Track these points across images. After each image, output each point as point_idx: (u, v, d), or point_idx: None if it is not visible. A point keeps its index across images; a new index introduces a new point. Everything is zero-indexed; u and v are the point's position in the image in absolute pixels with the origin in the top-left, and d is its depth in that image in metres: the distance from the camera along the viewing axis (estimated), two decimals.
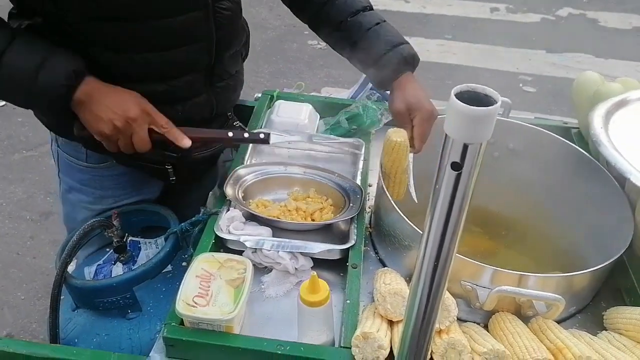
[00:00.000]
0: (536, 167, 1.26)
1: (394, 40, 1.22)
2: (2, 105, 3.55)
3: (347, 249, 1.07)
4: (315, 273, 0.88)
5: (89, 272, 1.21)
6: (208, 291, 0.92)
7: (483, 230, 1.27)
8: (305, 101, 1.54)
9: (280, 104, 1.52)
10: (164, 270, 1.16)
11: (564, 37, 4.97)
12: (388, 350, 0.85)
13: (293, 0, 1.33)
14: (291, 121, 1.45)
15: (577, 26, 5.22)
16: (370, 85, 1.66)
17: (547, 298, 0.90)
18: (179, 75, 1.13)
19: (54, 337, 1.10)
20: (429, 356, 0.75)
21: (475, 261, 0.93)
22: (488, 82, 0.49)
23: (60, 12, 1.00)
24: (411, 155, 1.17)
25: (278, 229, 1.15)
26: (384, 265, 1.12)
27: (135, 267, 1.16)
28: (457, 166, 0.50)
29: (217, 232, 1.09)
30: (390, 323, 0.91)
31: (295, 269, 1.07)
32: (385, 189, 1.10)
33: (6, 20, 1.04)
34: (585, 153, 1.20)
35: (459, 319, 0.94)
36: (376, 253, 1.16)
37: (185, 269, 0.99)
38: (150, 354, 0.92)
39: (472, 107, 0.46)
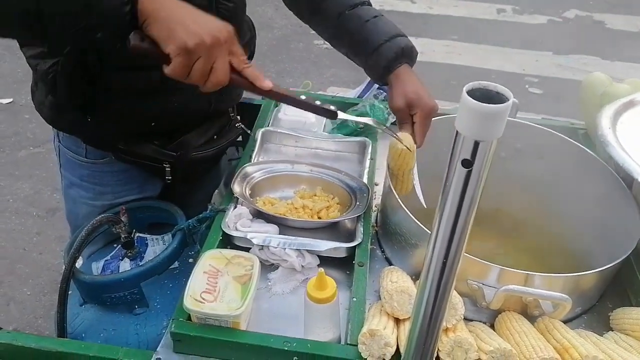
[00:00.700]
0: (543, 167, 1.26)
1: (392, 32, 1.20)
2: (9, 103, 3.57)
3: (354, 247, 1.08)
4: (322, 270, 0.88)
5: (97, 267, 1.21)
6: (215, 287, 0.93)
7: (489, 230, 1.27)
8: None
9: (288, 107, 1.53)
10: (171, 267, 1.17)
11: (571, 38, 4.95)
12: (394, 347, 0.85)
13: None
14: (298, 120, 1.46)
15: (583, 28, 5.20)
16: (377, 84, 1.66)
17: (554, 298, 0.90)
18: None
19: (62, 332, 1.10)
20: (435, 354, 0.75)
21: (482, 260, 0.93)
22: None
23: None
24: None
25: (285, 226, 1.15)
26: (390, 264, 1.12)
27: (142, 263, 1.17)
28: (467, 163, 0.51)
29: (224, 229, 1.09)
30: (397, 321, 0.92)
31: (302, 266, 1.07)
32: (392, 188, 1.10)
33: None
34: (593, 154, 1.20)
35: (465, 318, 0.94)
36: (382, 251, 1.16)
37: (192, 265, 0.99)
38: (157, 349, 0.93)
39: (484, 104, 0.47)
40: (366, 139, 1.40)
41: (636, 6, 5.40)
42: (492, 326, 0.97)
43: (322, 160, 1.37)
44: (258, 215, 1.17)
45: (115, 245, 1.26)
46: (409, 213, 1.02)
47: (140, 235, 1.27)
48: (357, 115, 1.46)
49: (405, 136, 1.12)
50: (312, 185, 1.28)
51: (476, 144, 0.49)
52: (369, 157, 1.34)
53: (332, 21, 1.25)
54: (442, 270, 0.61)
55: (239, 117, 1.41)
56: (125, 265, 1.20)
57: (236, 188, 1.18)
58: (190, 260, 1.20)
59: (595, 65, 4.42)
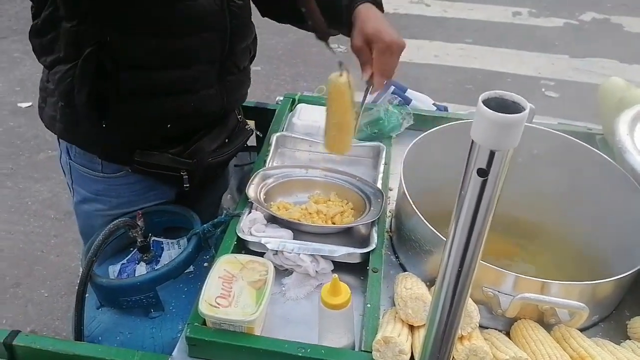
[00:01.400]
0: (560, 173, 1.25)
1: None
2: (29, 106, 3.62)
3: (368, 252, 1.08)
4: (336, 276, 0.88)
5: (114, 271, 1.23)
6: (230, 292, 0.93)
7: (505, 236, 1.26)
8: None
9: (301, 107, 1.54)
10: (186, 271, 1.18)
11: (588, 41, 4.91)
12: (409, 355, 0.85)
13: None
14: (312, 125, 1.46)
15: (601, 31, 5.15)
16: (392, 89, 1.66)
17: (571, 306, 0.89)
18: (192, 63, 1.14)
19: (79, 335, 1.12)
20: None
21: (498, 268, 0.93)
22: (509, 87, 0.50)
23: None
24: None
25: (299, 231, 1.16)
26: (405, 270, 1.12)
27: (158, 267, 1.18)
28: (483, 173, 0.51)
29: (238, 234, 1.10)
30: (411, 328, 0.91)
31: (316, 271, 1.07)
32: (327, 144, 1.10)
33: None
34: (610, 160, 1.18)
35: (481, 326, 0.94)
36: (397, 257, 1.16)
37: (207, 269, 1.00)
38: (172, 353, 0.94)
39: (499, 114, 0.46)
40: (380, 144, 1.40)
41: None
42: (507, 334, 0.96)
43: (336, 165, 1.38)
44: (272, 220, 1.17)
45: (131, 249, 1.27)
46: (424, 219, 1.01)
47: (156, 239, 1.28)
48: (371, 121, 1.46)
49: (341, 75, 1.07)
50: (326, 190, 1.28)
51: (492, 154, 0.49)
52: (383, 162, 1.34)
53: None
54: (458, 278, 0.61)
55: (248, 121, 1.42)
56: (142, 269, 1.21)
57: (251, 193, 1.19)
58: (206, 264, 1.20)
59: (612, 68, 4.37)
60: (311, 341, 0.92)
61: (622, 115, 1.23)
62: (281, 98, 1.63)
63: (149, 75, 1.11)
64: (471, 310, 0.87)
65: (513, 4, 5.54)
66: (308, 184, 1.30)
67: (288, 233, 1.14)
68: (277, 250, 1.08)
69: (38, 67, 1.21)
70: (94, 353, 0.94)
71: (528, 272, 0.93)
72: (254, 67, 1.37)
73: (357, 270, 1.10)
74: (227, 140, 1.33)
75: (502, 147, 0.49)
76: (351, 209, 1.24)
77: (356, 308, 0.99)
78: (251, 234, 1.12)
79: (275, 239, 1.10)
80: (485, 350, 0.84)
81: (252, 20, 1.29)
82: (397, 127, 1.47)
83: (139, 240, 1.20)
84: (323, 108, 1.50)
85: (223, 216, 1.18)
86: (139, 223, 1.19)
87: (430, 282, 1.02)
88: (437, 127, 1.23)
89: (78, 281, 1.10)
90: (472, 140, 0.50)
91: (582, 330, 0.96)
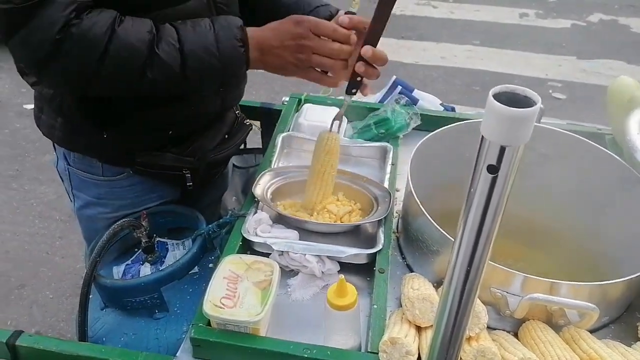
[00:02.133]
0: (568, 173, 1.24)
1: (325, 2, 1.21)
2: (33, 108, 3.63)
3: (374, 253, 1.07)
4: (343, 276, 0.87)
5: (118, 271, 1.22)
6: (235, 293, 0.92)
7: (512, 237, 1.24)
8: (333, 105, 1.55)
9: (307, 108, 1.53)
10: (191, 272, 1.17)
11: (595, 43, 4.89)
12: (416, 356, 0.84)
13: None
14: (319, 125, 1.45)
15: (608, 32, 5.13)
16: (398, 89, 1.65)
17: (581, 307, 0.88)
18: None
19: (83, 335, 1.11)
20: None
21: (506, 268, 0.92)
22: None
23: None
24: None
25: (305, 231, 1.15)
26: (412, 271, 1.11)
27: (162, 267, 1.18)
28: (493, 169, 0.49)
29: (244, 235, 1.09)
30: (418, 329, 0.90)
31: (322, 272, 1.06)
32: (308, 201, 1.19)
33: None
34: (620, 160, 1.17)
35: (488, 327, 0.92)
36: (403, 258, 1.15)
37: (212, 270, 0.99)
38: (177, 354, 0.93)
39: (510, 108, 0.45)
40: (387, 144, 1.39)
41: None
42: (516, 335, 0.95)
43: (343, 165, 1.36)
44: (278, 220, 1.16)
45: (136, 250, 1.26)
46: (431, 219, 1.00)
47: (161, 239, 1.27)
48: (378, 121, 1.45)
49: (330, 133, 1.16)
50: (334, 190, 1.27)
51: (502, 149, 0.48)
52: (390, 162, 1.33)
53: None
54: (466, 278, 0.59)
55: (253, 122, 1.42)
56: (146, 270, 1.20)
57: (257, 191, 1.18)
58: (210, 265, 1.20)
59: (620, 70, 4.35)
60: (317, 342, 0.90)
61: (632, 115, 1.21)
62: (287, 98, 1.63)
63: None
64: (479, 311, 0.86)
65: (520, 5, 5.53)
66: None
67: (294, 234, 1.13)
68: (282, 251, 1.07)
69: None
70: (98, 354, 0.93)
71: (535, 273, 0.91)
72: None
73: (364, 271, 1.09)
74: (226, 136, 1.32)
75: (513, 142, 0.48)
76: (359, 209, 1.23)
77: (362, 309, 0.98)
78: (257, 235, 1.11)
79: (281, 239, 1.09)
80: (493, 351, 0.83)
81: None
82: (404, 127, 1.46)
83: (144, 240, 1.19)
84: (329, 108, 1.51)
85: (228, 216, 1.17)
86: (143, 223, 1.18)
87: (437, 283, 1.01)
88: (445, 127, 1.22)
89: None
90: (482, 136, 0.49)
91: (592, 331, 0.95)
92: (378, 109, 1.50)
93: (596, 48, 4.76)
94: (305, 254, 1.06)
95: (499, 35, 4.96)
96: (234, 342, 0.89)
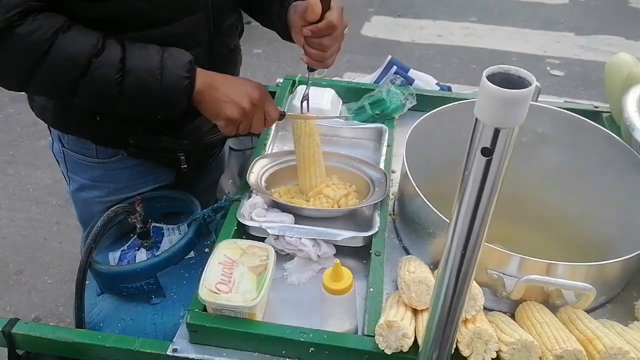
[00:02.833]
0: (565, 152, 1.23)
1: None
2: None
3: (370, 236, 1.06)
4: (338, 260, 0.87)
5: (114, 257, 1.21)
6: (231, 278, 0.92)
7: (509, 218, 1.24)
8: (328, 86, 1.53)
9: (302, 89, 1.51)
10: (187, 257, 1.17)
11: (593, 18, 4.84)
12: (412, 339, 0.84)
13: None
14: (314, 106, 1.43)
15: (606, 7, 5.08)
16: (394, 69, 1.63)
17: (577, 287, 0.88)
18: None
19: (80, 322, 1.11)
20: (454, 346, 0.73)
21: (503, 249, 0.91)
22: (514, 66, 0.47)
23: None
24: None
25: (300, 216, 1.14)
26: (408, 253, 1.10)
27: (158, 253, 1.17)
28: (487, 152, 0.49)
29: (239, 219, 1.08)
30: (415, 312, 0.90)
31: (318, 256, 1.06)
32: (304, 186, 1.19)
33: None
34: (618, 138, 1.16)
35: (485, 308, 0.92)
36: (400, 240, 1.14)
37: (208, 255, 0.98)
38: (174, 339, 0.93)
39: (504, 89, 0.44)
40: (383, 125, 1.38)
41: None
42: (512, 316, 0.95)
43: (338, 147, 1.35)
44: (273, 204, 1.16)
45: (131, 236, 1.26)
46: (427, 201, 1.00)
47: (156, 225, 1.27)
48: (373, 102, 1.44)
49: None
50: (328, 174, 1.26)
51: (496, 132, 0.47)
52: (385, 143, 1.32)
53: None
54: (462, 260, 0.59)
55: None
56: (142, 256, 1.20)
57: (251, 179, 1.17)
58: (206, 250, 1.19)
59: (619, 45, 4.31)
60: (313, 326, 0.90)
61: (630, 92, 1.20)
62: (281, 80, 1.61)
63: None
64: (475, 293, 0.85)
65: None
66: None
67: (289, 217, 1.12)
68: (278, 235, 1.07)
69: None
70: (94, 340, 0.93)
71: (532, 254, 0.91)
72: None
73: (360, 254, 1.08)
74: None
75: (507, 124, 0.47)
76: (354, 191, 1.22)
77: (359, 292, 0.98)
78: (252, 219, 1.10)
79: (277, 223, 1.08)
80: (489, 333, 0.82)
81: None
82: (400, 108, 1.44)
83: (139, 226, 1.19)
84: (324, 89, 1.49)
85: (223, 201, 1.16)
86: (137, 209, 1.17)
87: (433, 266, 1.01)
88: (441, 107, 1.20)
89: None
90: (476, 118, 0.48)
91: (588, 311, 0.95)
92: (373, 89, 1.48)
93: (594, 23, 4.71)
94: (300, 238, 1.05)
95: (497, 12, 4.91)
96: (230, 327, 0.89)
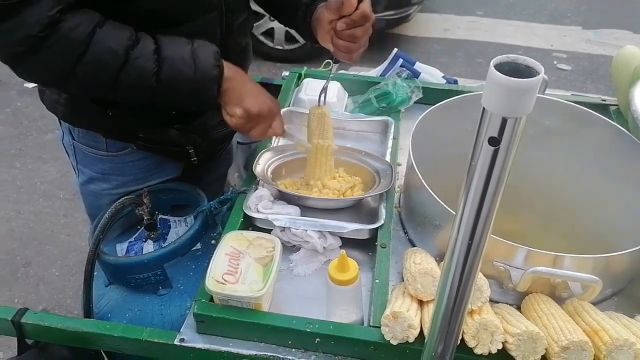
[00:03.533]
0: (573, 145, 1.22)
1: None
2: (35, 87, 3.61)
3: (376, 228, 1.06)
4: (344, 251, 0.87)
5: (121, 249, 1.22)
6: (237, 269, 0.93)
7: (516, 210, 1.24)
8: (334, 79, 1.53)
9: (308, 82, 1.51)
10: (193, 248, 1.17)
11: (600, 12, 4.81)
12: (418, 330, 0.84)
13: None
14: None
15: (613, 1, 5.04)
16: (400, 62, 1.63)
17: (584, 279, 0.87)
18: None
19: (88, 312, 1.12)
20: (460, 337, 0.74)
21: (509, 241, 0.91)
22: None
23: None
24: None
25: (307, 207, 1.14)
26: (414, 245, 1.10)
27: (165, 244, 1.18)
28: (494, 141, 0.49)
29: (245, 211, 1.09)
30: (420, 303, 0.90)
31: (324, 247, 1.06)
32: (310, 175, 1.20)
33: None
34: (625, 130, 1.15)
35: (491, 300, 0.92)
36: (405, 233, 1.14)
37: (214, 247, 0.99)
38: (181, 329, 0.93)
39: (512, 78, 0.44)
40: (388, 118, 1.38)
41: None
42: (518, 308, 0.95)
43: (344, 140, 1.35)
44: (279, 197, 1.16)
45: (139, 227, 1.26)
46: (433, 193, 1.00)
47: (163, 217, 1.27)
48: (379, 94, 1.44)
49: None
50: (335, 166, 1.26)
51: (504, 121, 0.47)
52: (391, 136, 1.32)
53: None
54: (468, 251, 0.59)
55: None
56: (149, 247, 1.20)
57: (258, 170, 1.17)
58: (213, 242, 1.20)
59: (626, 39, 4.28)
60: (319, 317, 0.91)
61: (638, 85, 1.19)
62: (287, 73, 1.61)
63: None
64: (481, 285, 0.86)
65: None
66: None
67: (295, 210, 1.13)
68: (284, 227, 1.07)
69: None
70: (102, 330, 0.94)
71: (538, 246, 0.91)
72: None
73: (366, 246, 1.08)
74: None
75: (515, 113, 0.47)
76: (360, 183, 1.22)
77: (365, 284, 0.98)
78: (258, 211, 1.10)
79: (283, 215, 1.09)
80: (495, 324, 0.83)
81: None
82: (406, 101, 1.44)
83: (146, 218, 1.19)
84: (331, 82, 1.48)
85: (229, 193, 1.17)
86: (145, 201, 1.18)
87: (439, 258, 1.01)
88: (447, 100, 1.20)
89: None
90: (483, 108, 0.48)
91: (595, 304, 0.94)
92: (379, 82, 1.48)
93: (601, 17, 4.68)
94: (307, 230, 1.05)
95: (503, 6, 4.88)
96: (236, 318, 0.89)
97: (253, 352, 0.90)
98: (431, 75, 1.67)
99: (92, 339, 0.95)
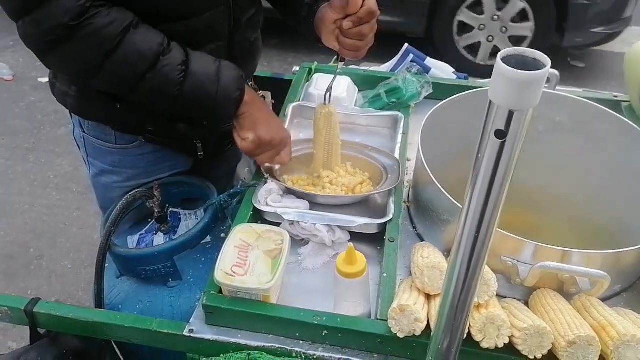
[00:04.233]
0: (583, 141, 1.22)
1: None
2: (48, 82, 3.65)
3: (385, 223, 1.07)
4: (352, 244, 0.87)
5: (132, 241, 1.24)
6: (246, 261, 0.94)
7: (524, 206, 1.23)
8: (344, 74, 1.53)
9: (318, 77, 1.51)
10: (203, 241, 1.18)
11: None
12: (425, 323, 0.84)
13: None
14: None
15: None
16: (410, 57, 1.62)
17: (592, 275, 0.87)
18: (202, 45, 1.12)
19: (99, 303, 1.14)
20: (466, 330, 0.74)
21: (517, 236, 0.91)
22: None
23: None
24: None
25: (315, 203, 1.15)
26: (422, 240, 1.11)
27: (175, 237, 1.19)
28: (501, 134, 0.49)
29: (255, 204, 1.10)
30: (428, 297, 0.91)
31: (332, 241, 1.07)
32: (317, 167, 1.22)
33: None
34: (637, 127, 1.14)
35: (499, 295, 0.93)
36: (414, 227, 1.14)
37: (223, 240, 1.00)
38: (190, 321, 0.95)
39: (519, 71, 0.44)
40: (398, 113, 1.38)
41: None
42: (526, 303, 0.95)
43: (354, 135, 1.36)
44: (288, 190, 1.17)
45: (149, 220, 1.28)
46: (442, 188, 1.00)
47: (174, 210, 1.29)
48: (389, 90, 1.44)
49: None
50: (342, 161, 1.26)
51: (511, 114, 0.47)
52: (401, 131, 1.32)
53: None
54: (474, 245, 0.59)
55: (263, 92, 1.41)
56: (159, 240, 1.22)
57: (266, 167, 1.18)
58: (222, 235, 1.21)
59: (639, 36, 4.23)
60: (327, 310, 0.92)
61: None
62: (297, 68, 1.61)
63: None
64: (489, 279, 0.86)
65: None
66: None
67: (304, 204, 1.13)
68: (293, 221, 1.08)
69: None
70: (113, 320, 0.95)
71: (548, 241, 0.91)
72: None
73: (374, 240, 1.09)
74: None
75: (522, 106, 0.47)
76: (368, 178, 1.23)
77: (373, 278, 0.99)
78: (267, 205, 1.11)
79: (292, 209, 1.09)
80: (502, 318, 0.83)
81: None
82: (416, 96, 1.44)
83: (156, 211, 1.21)
84: (340, 77, 1.49)
85: (239, 187, 1.18)
86: (155, 194, 1.19)
87: (447, 253, 1.01)
88: (457, 96, 1.20)
89: None
90: (490, 101, 0.48)
91: (603, 300, 0.94)
92: (389, 77, 1.48)
93: None
94: (315, 224, 1.06)
95: None
96: (245, 309, 0.90)
97: (261, 344, 0.91)
98: (442, 70, 1.67)
99: (103, 329, 0.96)
